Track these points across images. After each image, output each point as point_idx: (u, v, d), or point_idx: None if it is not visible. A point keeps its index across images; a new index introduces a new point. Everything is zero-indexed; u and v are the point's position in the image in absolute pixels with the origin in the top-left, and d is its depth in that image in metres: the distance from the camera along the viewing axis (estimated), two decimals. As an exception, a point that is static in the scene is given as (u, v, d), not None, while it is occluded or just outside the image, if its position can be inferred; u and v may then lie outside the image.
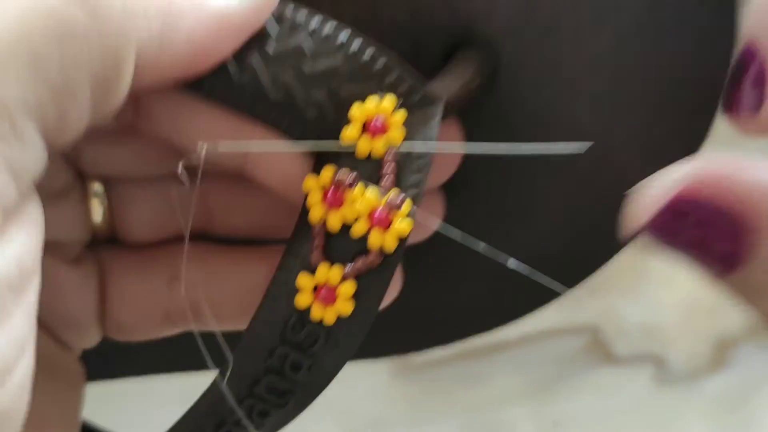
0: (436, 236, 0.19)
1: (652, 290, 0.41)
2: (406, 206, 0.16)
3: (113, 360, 0.22)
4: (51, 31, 0.13)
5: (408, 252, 0.17)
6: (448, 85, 0.18)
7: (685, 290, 0.41)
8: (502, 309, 0.23)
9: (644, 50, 0.19)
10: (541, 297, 0.23)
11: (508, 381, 0.38)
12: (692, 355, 0.40)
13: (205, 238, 0.20)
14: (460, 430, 0.37)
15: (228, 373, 0.17)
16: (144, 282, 0.20)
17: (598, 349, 0.39)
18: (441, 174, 0.19)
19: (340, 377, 0.38)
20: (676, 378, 0.39)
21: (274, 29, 0.16)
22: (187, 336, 0.20)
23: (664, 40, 0.19)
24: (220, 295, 0.20)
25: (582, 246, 0.21)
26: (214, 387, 0.17)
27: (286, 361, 0.17)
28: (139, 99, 0.17)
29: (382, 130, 0.16)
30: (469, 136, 0.20)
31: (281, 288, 0.16)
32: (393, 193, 0.16)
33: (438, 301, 0.23)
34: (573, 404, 0.38)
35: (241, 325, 0.18)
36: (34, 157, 0.13)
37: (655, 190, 0.15)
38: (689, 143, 0.21)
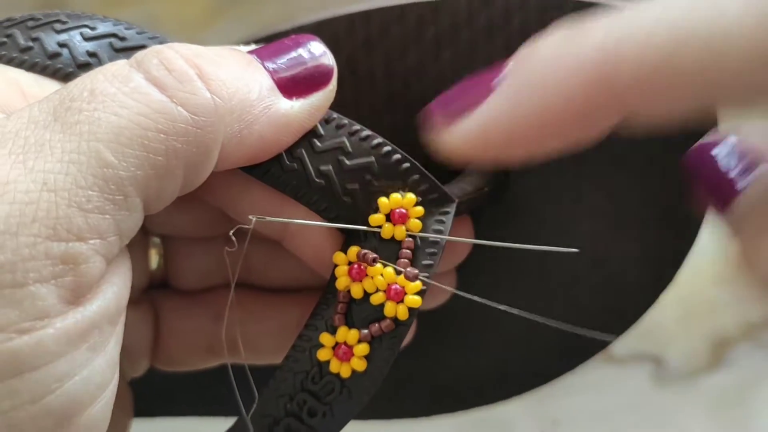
0: (459, 316, 0.24)
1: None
2: (417, 284, 0.19)
3: (154, 399, 0.26)
4: (161, 126, 0.16)
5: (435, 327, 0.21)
6: (462, 188, 0.21)
7: (684, 290, 0.41)
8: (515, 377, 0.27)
9: (636, 175, 0.23)
10: (550, 369, 0.26)
11: (507, 379, 0.38)
12: (690, 354, 0.40)
13: (244, 287, 0.24)
14: (459, 428, 0.37)
15: (252, 411, 0.19)
16: (191, 320, 0.24)
17: (596, 348, 0.39)
18: (454, 259, 0.23)
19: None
20: (674, 377, 0.39)
21: (321, 128, 0.19)
22: (220, 382, 0.23)
23: (655, 171, 0.23)
24: (257, 333, 0.23)
25: (575, 337, 0.24)
26: (239, 422, 0.19)
27: (304, 407, 0.19)
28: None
29: (403, 220, 0.19)
30: (483, 232, 0.23)
31: (306, 343, 0.19)
32: (408, 272, 0.19)
33: (462, 369, 0.27)
34: (572, 402, 0.38)
35: (275, 360, 0.21)
36: (134, 223, 0.16)
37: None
38: (675, 256, 0.25)
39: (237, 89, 0.17)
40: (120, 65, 0.17)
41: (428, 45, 0.22)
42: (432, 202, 0.20)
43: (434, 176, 0.20)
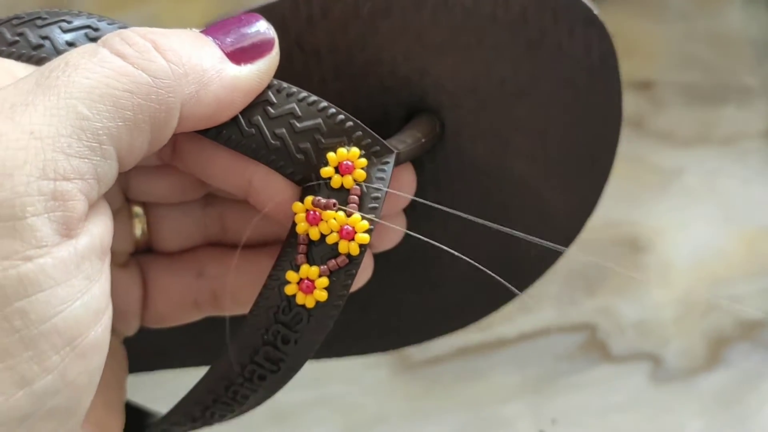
0: (416, 251, 0.27)
1: (648, 290, 0.41)
2: (365, 224, 0.22)
3: (147, 355, 0.29)
4: (126, 86, 0.19)
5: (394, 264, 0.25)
6: (401, 140, 0.25)
7: (681, 290, 0.41)
8: (471, 309, 0.31)
9: (556, 115, 0.27)
10: (496, 300, 0.31)
11: (507, 378, 0.38)
12: (688, 353, 0.40)
13: (221, 245, 0.27)
14: (459, 427, 0.38)
15: (233, 343, 0.23)
16: (177, 279, 0.27)
17: (595, 347, 0.39)
18: (399, 203, 0.26)
19: (341, 376, 0.39)
20: (672, 375, 0.39)
21: (274, 97, 0.22)
22: (207, 334, 0.27)
23: (570, 107, 0.27)
24: (236, 285, 0.26)
25: (515, 264, 0.29)
26: (224, 358, 0.23)
27: (278, 336, 0.22)
28: (176, 142, 0.23)
29: (349, 171, 0.22)
30: (427, 179, 0.28)
31: (275, 282, 0.22)
32: (356, 215, 0.22)
33: (422, 302, 0.30)
34: (571, 401, 0.38)
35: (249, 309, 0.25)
36: (110, 171, 0.19)
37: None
38: (594, 182, 0.29)
39: (189, 57, 0.20)
40: (90, 45, 0.20)
41: (366, 19, 0.25)
42: (374, 154, 0.23)
43: (377, 133, 0.23)
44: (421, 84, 0.27)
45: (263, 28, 0.22)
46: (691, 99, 0.45)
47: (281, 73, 0.23)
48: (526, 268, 0.30)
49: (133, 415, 0.26)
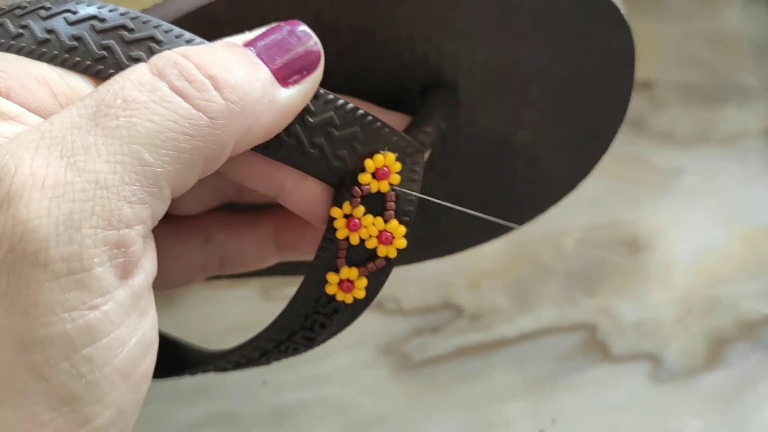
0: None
1: (647, 290, 0.41)
2: (403, 229, 0.23)
3: None
4: (187, 130, 0.19)
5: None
6: (427, 132, 0.25)
7: (681, 290, 0.41)
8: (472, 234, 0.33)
9: (566, 96, 0.29)
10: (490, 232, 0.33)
11: (506, 378, 0.38)
12: (687, 353, 0.40)
13: (233, 206, 0.29)
14: (459, 426, 0.38)
15: (272, 324, 0.25)
16: (185, 245, 0.28)
17: (595, 347, 0.39)
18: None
19: (341, 376, 0.39)
20: (671, 375, 0.39)
21: (312, 105, 0.22)
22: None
23: (582, 91, 0.29)
24: (243, 250, 0.28)
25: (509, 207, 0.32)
26: (265, 331, 0.25)
27: (315, 323, 0.24)
28: None
29: (386, 176, 0.23)
30: (440, 152, 0.29)
31: (315, 280, 0.24)
32: (394, 221, 0.23)
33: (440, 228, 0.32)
34: (570, 401, 0.38)
35: (257, 267, 0.28)
36: (164, 207, 0.20)
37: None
38: (592, 155, 0.31)
39: (245, 92, 0.20)
40: (143, 73, 0.20)
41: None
42: (407, 155, 0.23)
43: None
44: (439, 62, 0.27)
45: (311, 43, 0.22)
46: (690, 99, 0.45)
47: None
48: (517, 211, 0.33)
49: (169, 347, 0.27)
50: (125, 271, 0.18)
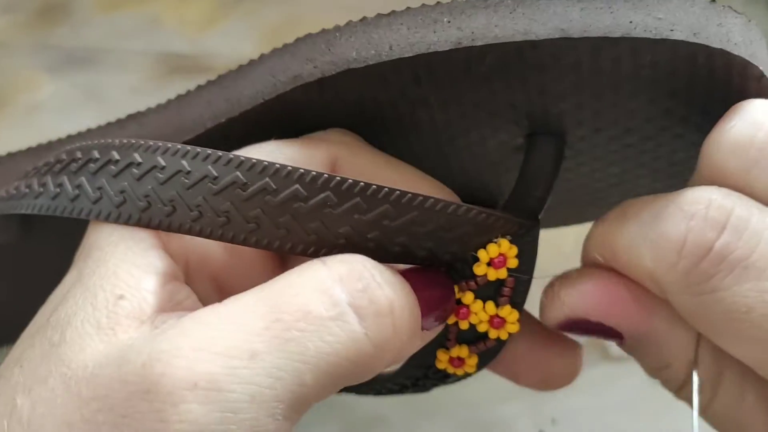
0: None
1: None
2: (515, 314, 0.23)
3: None
4: (353, 357, 0.19)
5: None
6: (534, 197, 0.24)
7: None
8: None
9: (661, 147, 0.26)
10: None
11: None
12: (687, 353, 0.40)
13: None
14: (458, 427, 0.38)
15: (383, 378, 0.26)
16: None
17: (594, 347, 0.39)
18: None
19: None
20: (671, 375, 0.39)
21: (420, 214, 0.21)
22: None
23: (678, 146, 0.26)
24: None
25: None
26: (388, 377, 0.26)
27: (426, 383, 0.25)
28: None
29: (502, 264, 0.22)
30: None
31: (427, 354, 0.24)
32: (507, 307, 0.23)
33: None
34: (570, 401, 0.38)
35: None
36: (297, 421, 0.19)
37: (562, 302, 0.23)
38: (677, 185, 0.28)
39: (407, 336, 0.20)
40: (323, 278, 0.19)
41: (480, 76, 0.23)
42: (520, 236, 0.22)
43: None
44: (553, 108, 0.24)
45: (454, 305, 0.22)
46: (691, 99, 0.45)
47: (387, 121, 0.23)
48: None
49: None
50: None
